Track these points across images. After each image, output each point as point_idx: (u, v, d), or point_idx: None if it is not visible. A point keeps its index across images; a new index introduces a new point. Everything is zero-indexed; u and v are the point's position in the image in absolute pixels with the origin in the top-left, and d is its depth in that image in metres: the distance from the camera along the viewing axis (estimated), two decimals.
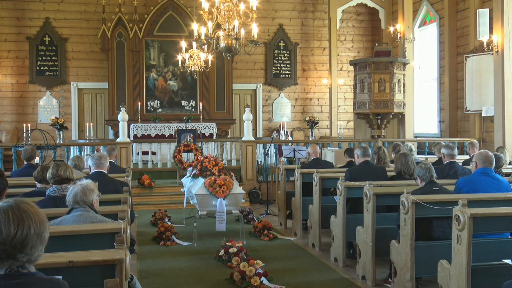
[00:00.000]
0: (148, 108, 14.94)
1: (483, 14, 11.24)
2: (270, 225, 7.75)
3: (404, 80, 11.68)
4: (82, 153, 11.33)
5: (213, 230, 7.17)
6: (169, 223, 7.87)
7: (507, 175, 6.18)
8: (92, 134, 13.59)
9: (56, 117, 13.90)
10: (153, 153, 12.55)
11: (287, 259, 6.36)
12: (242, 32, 7.38)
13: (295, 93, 16.67)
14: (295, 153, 9.80)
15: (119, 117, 10.98)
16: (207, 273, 5.70)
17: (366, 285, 5.27)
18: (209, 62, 11.83)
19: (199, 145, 10.83)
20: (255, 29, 7.43)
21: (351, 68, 12.80)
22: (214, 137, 14.21)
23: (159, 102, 15.02)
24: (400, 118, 12.57)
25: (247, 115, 11.13)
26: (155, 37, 14.92)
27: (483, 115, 11.49)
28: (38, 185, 4.65)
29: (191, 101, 15.17)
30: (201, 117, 14.71)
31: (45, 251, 1.79)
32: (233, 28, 7.23)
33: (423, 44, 14.28)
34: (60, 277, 2.29)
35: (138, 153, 12.21)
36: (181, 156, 10.56)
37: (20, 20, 14.94)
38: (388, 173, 6.49)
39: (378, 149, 7.36)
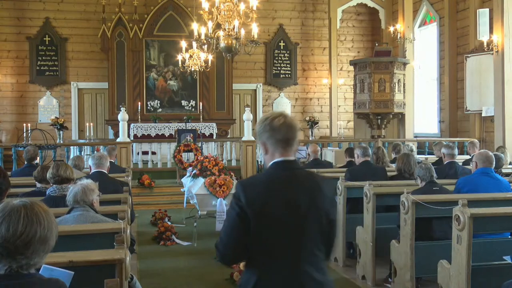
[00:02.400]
0: (148, 108, 14.94)
1: (483, 14, 11.24)
2: None
3: (404, 80, 11.68)
4: (82, 153, 11.34)
5: (213, 230, 7.17)
6: (169, 223, 7.87)
7: (507, 175, 6.17)
8: (92, 134, 13.59)
9: (56, 117, 13.89)
10: (153, 153, 12.55)
11: None
12: (242, 32, 7.38)
13: (295, 93, 16.67)
14: (295, 153, 9.79)
15: (119, 117, 10.98)
16: (207, 273, 5.70)
17: (366, 285, 5.27)
18: (209, 62, 11.84)
19: (199, 145, 10.83)
20: (255, 29, 7.44)
21: (351, 68, 12.80)
22: (214, 137, 14.21)
23: (159, 102, 15.02)
24: (400, 118, 12.57)
25: (247, 115, 11.13)
26: (155, 37, 14.92)
27: (483, 115, 11.49)
28: (38, 185, 4.65)
29: (191, 101, 15.17)
30: (201, 117, 14.71)
31: None
32: (233, 28, 7.23)
33: (423, 44, 14.28)
34: (72, 272, 2.30)
35: (138, 153, 12.22)
36: (181, 156, 10.56)
37: (20, 20, 14.93)
38: (388, 173, 6.49)
39: (377, 149, 7.38)
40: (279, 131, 2.19)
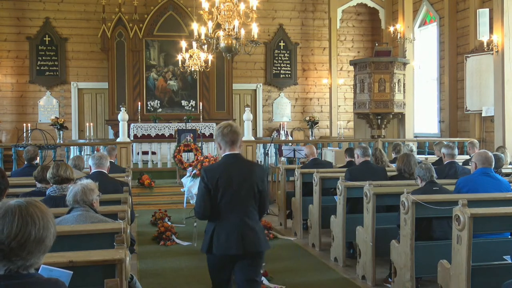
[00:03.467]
0: (148, 108, 14.94)
1: (483, 14, 11.23)
2: (270, 225, 7.74)
3: (404, 80, 11.67)
4: (82, 153, 11.34)
5: None
6: (169, 223, 7.87)
7: (507, 175, 6.17)
8: (92, 134, 13.59)
9: (56, 117, 13.90)
10: (153, 153, 12.55)
11: (287, 259, 6.36)
12: (242, 32, 7.38)
13: (295, 93, 16.67)
14: (295, 153, 9.80)
15: (119, 117, 10.98)
16: (207, 273, 5.68)
17: (366, 285, 5.27)
18: (209, 62, 11.83)
19: (199, 145, 10.83)
20: (255, 29, 7.44)
21: (351, 68, 12.80)
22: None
23: (159, 102, 15.02)
24: (400, 118, 12.57)
25: (247, 115, 11.13)
26: (155, 37, 14.92)
27: (483, 115, 11.49)
28: (38, 185, 4.65)
29: (191, 101, 15.17)
30: (201, 117, 14.71)
31: None
32: (233, 28, 7.23)
33: (423, 44, 14.28)
34: (71, 272, 2.29)
35: (138, 153, 12.22)
36: (181, 156, 10.56)
37: (20, 20, 14.94)
38: (388, 173, 6.49)
39: (375, 151, 7.39)
40: (227, 136, 3.45)
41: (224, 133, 3.44)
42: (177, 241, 7.15)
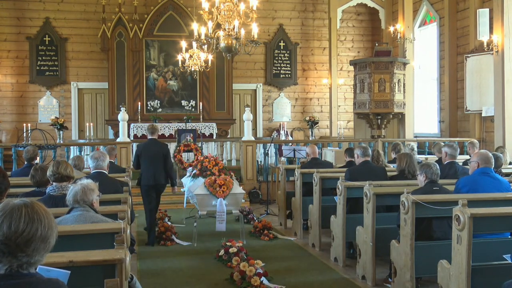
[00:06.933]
0: (148, 108, 14.93)
1: (483, 14, 11.24)
2: (270, 225, 7.75)
3: (404, 80, 11.67)
4: (82, 153, 11.33)
5: (213, 230, 7.18)
6: (169, 223, 7.88)
7: (507, 175, 6.17)
8: (92, 134, 13.59)
9: (56, 117, 13.88)
10: None
11: (287, 259, 6.36)
12: (242, 32, 7.37)
13: (295, 93, 16.67)
14: (295, 153, 9.80)
15: (119, 117, 10.98)
16: (207, 273, 5.70)
17: (366, 285, 5.27)
18: (209, 62, 11.82)
19: (199, 145, 10.83)
20: (255, 29, 7.43)
21: (351, 68, 12.79)
22: (214, 137, 14.20)
23: (159, 102, 15.02)
24: (400, 118, 12.57)
25: (247, 115, 11.12)
26: (155, 37, 14.92)
27: (483, 115, 11.49)
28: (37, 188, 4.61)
29: (191, 101, 15.16)
30: (201, 117, 14.71)
31: None
32: (233, 28, 7.22)
33: (423, 44, 14.28)
34: (69, 271, 2.31)
35: None
36: (181, 156, 10.55)
37: (20, 20, 14.93)
38: (388, 173, 6.49)
39: (372, 151, 7.39)
40: (150, 129, 7.50)
41: (149, 127, 7.42)
42: (177, 241, 7.16)
